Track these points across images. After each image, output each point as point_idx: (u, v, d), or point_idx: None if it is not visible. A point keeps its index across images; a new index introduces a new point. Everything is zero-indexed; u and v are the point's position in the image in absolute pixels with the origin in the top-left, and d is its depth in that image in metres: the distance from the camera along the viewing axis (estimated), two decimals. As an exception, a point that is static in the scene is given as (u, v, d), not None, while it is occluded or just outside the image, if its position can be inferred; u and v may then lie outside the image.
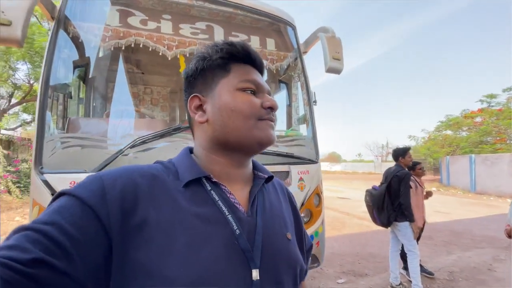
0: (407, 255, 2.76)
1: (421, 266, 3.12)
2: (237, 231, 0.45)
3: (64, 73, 2.17)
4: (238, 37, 2.66)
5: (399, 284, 2.90)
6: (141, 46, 2.26)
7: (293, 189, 2.24)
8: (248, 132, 0.49)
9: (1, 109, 9.74)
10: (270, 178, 0.58)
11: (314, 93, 2.89)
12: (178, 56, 2.36)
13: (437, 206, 8.33)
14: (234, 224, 0.46)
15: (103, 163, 1.75)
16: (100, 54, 2.32)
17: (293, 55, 2.86)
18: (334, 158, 57.81)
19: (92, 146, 1.87)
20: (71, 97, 2.34)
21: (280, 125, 3.37)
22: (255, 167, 0.58)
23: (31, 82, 9.11)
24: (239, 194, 0.51)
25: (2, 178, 6.66)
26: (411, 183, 2.75)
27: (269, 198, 0.56)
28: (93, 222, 0.38)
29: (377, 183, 3.02)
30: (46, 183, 1.68)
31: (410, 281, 2.90)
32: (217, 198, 0.47)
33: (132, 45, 2.26)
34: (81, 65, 2.33)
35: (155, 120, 3.04)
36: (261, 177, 0.56)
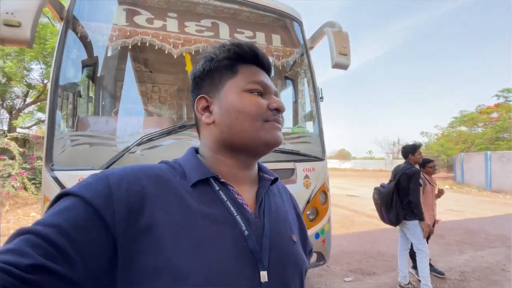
0: (416, 254, 2.71)
1: (431, 265, 3.06)
2: (246, 232, 0.45)
3: (73, 73, 2.22)
4: (244, 34, 2.65)
5: (408, 284, 2.85)
6: (147, 44, 2.28)
7: (298, 186, 2.23)
8: (255, 134, 0.49)
9: (17, 108, 10.08)
10: (275, 180, 0.58)
11: (321, 89, 2.86)
12: (184, 54, 2.38)
13: (451, 204, 8.13)
14: (243, 225, 0.46)
15: (111, 160, 1.78)
16: (108, 53, 2.35)
17: (300, 51, 2.83)
18: (343, 155, 57.12)
19: (101, 144, 1.91)
20: (80, 96, 2.40)
21: (286, 122, 3.35)
22: (260, 168, 0.58)
23: (45, 82, 9.38)
24: (246, 195, 0.51)
25: (18, 175, 6.89)
26: (420, 181, 2.68)
27: (275, 200, 0.56)
28: (98, 224, 0.37)
29: (387, 181, 2.97)
30: (57, 180, 1.73)
31: (419, 281, 2.85)
32: (225, 199, 0.47)
33: (139, 44, 2.28)
34: (90, 64, 2.38)
35: (162, 118, 3.08)
36: (267, 179, 0.56)
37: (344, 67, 2.47)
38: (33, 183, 7.68)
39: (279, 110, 0.52)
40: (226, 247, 0.42)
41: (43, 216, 0.38)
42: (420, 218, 2.58)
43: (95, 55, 2.32)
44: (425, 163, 2.95)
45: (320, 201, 2.39)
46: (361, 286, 2.93)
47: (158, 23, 2.37)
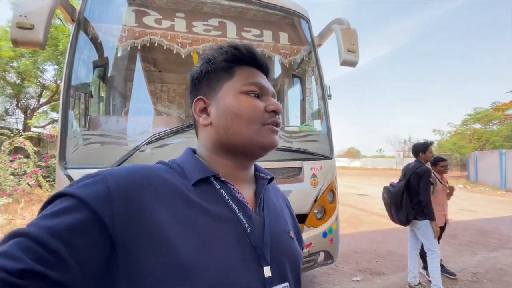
0: (427, 254, 2.66)
1: (442, 266, 3.00)
2: (249, 229, 0.46)
3: (84, 73, 2.28)
4: (251, 32, 2.65)
5: (418, 284, 2.81)
6: (156, 45, 2.32)
7: (305, 185, 2.23)
8: (251, 137, 0.49)
9: (31, 108, 10.38)
10: (271, 179, 0.59)
11: (329, 87, 2.83)
12: (192, 54, 2.40)
13: (464, 204, 7.93)
14: (245, 222, 0.46)
15: (121, 159, 1.82)
16: (118, 54, 2.40)
17: (307, 49, 2.81)
18: (352, 153, 56.43)
19: (111, 143, 1.96)
20: (91, 96, 2.45)
21: (294, 120, 3.34)
22: (255, 168, 0.59)
23: (58, 82, 9.62)
24: (245, 194, 0.51)
25: (33, 173, 7.10)
26: (430, 180, 2.63)
27: (271, 199, 0.58)
28: (96, 226, 0.36)
29: (398, 180, 2.92)
30: (70, 177, 1.78)
31: (430, 281, 2.81)
32: (227, 197, 0.48)
33: (148, 44, 2.32)
34: (100, 65, 2.43)
35: (171, 117, 3.12)
36: (263, 178, 0.57)
37: (353, 64, 2.44)
38: (47, 181, 7.90)
39: (276, 112, 0.52)
40: (231, 244, 0.43)
41: (37, 217, 0.36)
42: (431, 218, 2.53)
43: (105, 55, 2.37)
44: (436, 161, 2.89)
45: (328, 200, 2.37)
46: (370, 286, 2.90)
47: (166, 23, 2.40)
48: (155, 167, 0.47)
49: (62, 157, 1.90)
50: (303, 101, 3.13)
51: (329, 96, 2.79)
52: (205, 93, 0.53)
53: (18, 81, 9.05)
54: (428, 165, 2.81)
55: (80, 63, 2.15)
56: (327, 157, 2.45)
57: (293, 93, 3.34)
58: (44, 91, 10.25)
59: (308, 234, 2.24)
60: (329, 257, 2.39)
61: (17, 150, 7.37)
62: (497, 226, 5.51)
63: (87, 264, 0.34)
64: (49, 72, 9.71)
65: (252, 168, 0.57)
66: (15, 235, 0.34)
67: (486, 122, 16.90)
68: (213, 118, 0.51)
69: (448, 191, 2.95)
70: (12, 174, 6.79)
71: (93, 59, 2.34)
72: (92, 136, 1.98)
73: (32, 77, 8.72)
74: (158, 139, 1.92)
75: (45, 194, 7.75)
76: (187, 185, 0.46)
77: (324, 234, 2.32)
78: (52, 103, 10.43)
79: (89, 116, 2.26)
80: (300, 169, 2.25)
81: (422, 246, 2.84)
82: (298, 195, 2.19)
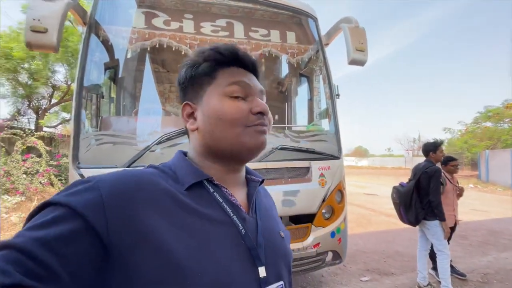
0: (437, 255, 2.63)
1: (452, 267, 2.96)
2: (243, 231, 0.47)
3: (96, 75, 2.32)
4: (258, 32, 2.66)
5: (427, 285, 2.78)
6: (165, 46, 2.35)
7: (313, 185, 2.23)
8: (236, 140, 0.48)
9: (43, 108, 10.61)
10: (261, 181, 0.59)
11: (337, 86, 2.81)
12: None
13: (474, 204, 7.78)
14: (239, 224, 0.47)
15: (132, 158, 1.86)
16: (128, 56, 2.44)
17: (315, 48, 2.80)
18: (360, 152, 55.84)
19: (123, 143, 2.00)
20: (102, 97, 2.50)
21: (301, 120, 3.34)
22: (246, 171, 0.59)
23: (69, 83, 9.81)
24: (238, 197, 0.52)
25: (45, 172, 7.26)
26: (441, 180, 2.59)
27: (262, 200, 0.58)
28: (88, 235, 0.35)
29: (407, 179, 2.89)
30: (82, 177, 1.82)
31: (439, 282, 2.77)
32: (221, 200, 0.48)
33: (157, 46, 2.35)
34: (111, 66, 2.48)
35: (180, 117, 3.15)
36: (255, 181, 0.57)
37: (361, 63, 2.42)
38: (59, 179, 8.07)
39: (262, 113, 0.50)
40: (227, 246, 0.44)
41: (24, 228, 0.35)
42: (441, 218, 2.50)
43: (116, 57, 2.42)
44: (447, 161, 2.85)
45: (336, 200, 2.37)
46: (378, 286, 2.88)
47: (175, 25, 2.42)
48: (147, 172, 0.46)
49: (75, 157, 1.95)
50: (310, 100, 3.12)
51: (337, 95, 2.77)
52: (191, 98, 0.53)
53: (29, 82, 9.26)
54: (438, 164, 2.77)
55: (91, 65, 2.20)
56: (335, 156, 2.44)
57: (301, 93, 3.33)
58: (55, 91, 10.46)
59: (316, 233, 2.24)
60: (337, 257, 2.39)
61: (29, 150, 7.54)
62: (508, 226, 5.39)
63: (79, 274, 0.33)
64: (60, 73, 9.91)
65: (243, 171, 0.57)
66: (3, 247, 0.32)
67: (497, 120, 16.51)
68: (199, 123, 0.51)
69: (458, 192, 2.91)
70: (25, 173, 6.96)
71: (104, 60, 2.39)
72: (104, 137, 2.02)
73: (44, 78, 8.91)
74: (168, 139, 1.95)
75: (57, 192, 7.93)
76: (181, 190, 0.46)
77: (332, 234, 2.32)
78: (63, 104, 10.64)
79: (100, 117, 2.30)
80: (308, 169, 2.25)
81: (431, 247, 2.81)
82: (306, 195, 2.19)
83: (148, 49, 2.37)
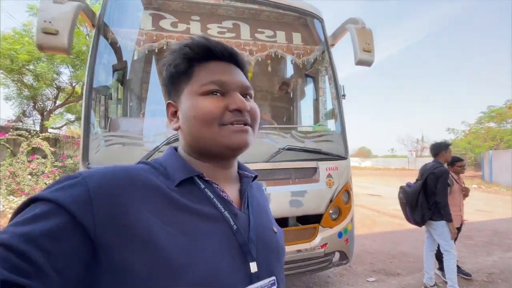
0: (443, 255, 2.62)
1: (458, 267, 2.95)
2: (235, 227, 0.46)
3: (105, 76, 2.35)
4: (264, 33, 2.67)
5: (434, 285, 2.77)
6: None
7: (320, 185, 2.23)
8: (213, 140, 0.47)
9: (48, 109, 10.70)
10: (255, 177, 0.58)
11: (343, 86, 2.82)
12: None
13: (478, 204, 7.74)
14: (231, 220, 0.46)
15: (142, 159, 1.88)
16: (136, 57, 2.46)
17: (321, 48, 2.81)
18: (363, 153, 55.64)
19: (132, 144, 2.02)
20: (111, 98, 2.52)
21: (307, 120, 3.34)
22: (239, 166, 0.58)
23: (73, 84, 9.89)
24: (230, 192, 0.51)
25: (50, 173, 7.31)
26: (448, 181, 2.59)
27: (256, 196, 0.58)
28: (75, 232, 0.34)
29: (411, 179, 2.89)
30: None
31: (446, 282, 2.76)
32: (212, 196, 0.47)
33: (165, 47, 2.37)
34: (120, 68, 2.50)
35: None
36: (248, 176, 0.56)
37: (368, 64, 2.43)
38: (64, 180, 8.10)
39: (240, 110, 0.47)
40: (218, 242, 0.43)
41: (10, 224, 0.34)
42: (448, 219, 2.50)
43: (124, 59, 2.44)
44: (454, 161, 2.84)
45: (343, 200, 2.37)
46: (385, 287, 2.88)
47: (182, 27, 2.44)
48: (137, 167, 0.46)
49: (85, 157, 1.97)
50: (316, 100, 3.13)
51: (343, 95, 2.77)
52: (173, 97, 0.52)
53: (34, 84, 9.34)
54: (446, 165, 2.76)
55: (100, 66, 2.22)
56: (342, 157, 2.45)
57: (307, 93, 3.34)
58: (60, 93, 10.55)
59: (324, 234, 2.24)
60: (344, 257, 2.39)
61: (34, 151, 7.60)
62: (514, 227, 5.37)
63: (66, 271, 0.33)
64: (65, 75, 10.00)
65: (235, 167, 0.56)
66: None
67: (500, 120, 16.41)
68: (180, 122, 0.50)
69: (463, 192, 2.90)
70: (30, 174, 7.01)
71: (113, 62, 2.41)
72: (114, 137, 2.04)
73: (49, 79, 8.98)
74: (177, 139, 1.96)
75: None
76: (171, 186, 0.45)
77: (340, 235, 2.32)
78: (68, 105, 10.72)
79: (109, 118, 2.33)
80: (315, 169, 2.26)
81: (438, 247, 2.80)
82: (314, 195, 2.20)
83: (156, 50, 2.39)
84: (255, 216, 0.52)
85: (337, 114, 2.69)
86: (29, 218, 0.34)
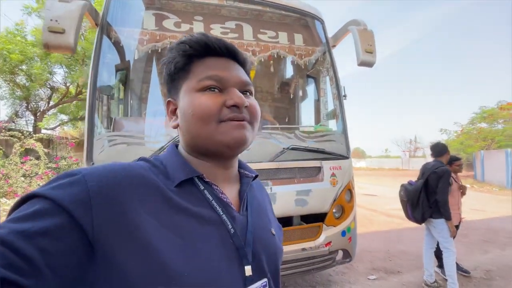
0: (443, 252, 2.67)
1: (456, 264, 3.01)
2: (232, 230, 0.46)
3: (108, 76, 2.33)
4: (267, 34, 2.69)
5: (434, 282, 2.82)
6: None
7: (325, 184, 2.26)
8: (211, 137, 0.46)
9: (41, 110, 10.52)
10: (255, 177, 0.57)
11: (344, 87, 2.86)
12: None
13: (472, 203, 7.89)
14: (229, 223, 0.46)
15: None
16: (140, 57, 2.45)
17: (322, 50, 2.84)
18: (357, 153, 56.14)
19: (137, 144, 2.01)
20: (115, 98, 2.51)
21: (308, 120, 3.37)
22: (239, 165, 0.57)
23: (68, 84, 9.75)
24: (229, 193, 0.50)
25: (44, 175, 7.19)
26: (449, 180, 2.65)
27: (256, 196, 0.57)
28: (73, 232, 0.34)
29: (405, 179, 2.94)
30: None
31: (445, 280, 2.82)
32: (211, 198, 0.47)
33: (168, 47, 2.37)
34: (123, 68, 2.49)
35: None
36: (248, 176, 0.55)
37: (370, 64, 2.47)
38: (58, 182, 7.96)
39: (237, 106, 0.46)
40: (215, 245, 0.43)
41: (7, 220, 0.34)
42: (447, 217, 2.55)
43: (128, 58, 2.43)
44: (452, 160, 2.90)
45: (346, 199, 2.40)
46: (386, 285, 2.92)
47: (185, 27, 2.45)
48: (138, 165, 0.45)
49: (89, 157, 1.95)
50: (318, 101, 3.16)
51: (345, 96, 2.81)
52: (173, 94, 0.52)
53: (27, 84, 9.18)
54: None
55: (104, 66, 2.21)
56: (345, 156, 2.48)
57: (308, 94, 3.37)
58: (54, 93, 10.39)
59: (328, 233, 2.27)
60: (347, 255, 2.42)
61: (27, 152, 7.47)
62: (507, 225, 5.49)
63: (63, 270, 0.32)
64: (59, 75, 9.86)
65: (235, 167, 0.55)
66: None
67: (491, 121, 16.77)
68: (179, 120, 0.50)
69: (461, 190, 2.97)
70: (23, 175, 6.89)
71: (116, 62, 2.39)
72: (118, 137, 2.03)
73: (43, 79, 8.84)
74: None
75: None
76: (170, 186, 0.44)
77: (343, 233, 2.35)
78: (61, 106, 10.57)
79: (114, 118, 2.31)
80: (319, 168, 2.28)
81: (437, 245, 2.86)
82: (318, 194, 2.22)
83: (159, 50, 2.39)
84: (253, 217, 0.51)
85: (339, 114, 2.73)
86: (27, 215, 0.33)
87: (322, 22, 2.88)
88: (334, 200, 2.30)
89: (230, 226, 0.46)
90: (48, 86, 10.01)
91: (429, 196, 2.61)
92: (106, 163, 0.43)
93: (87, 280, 0.34)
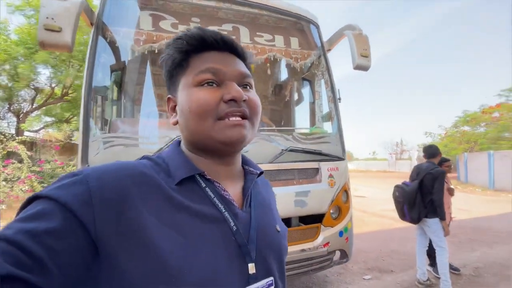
0: (436, 251, 2.75)
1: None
2: (234, 228, 0.45)
3: (104, 76, 2.28)
4: (263, 37, 2.71)
5: (427, 280, 2.90)
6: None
7: (323, 185, 2.28)
8: (208, 134, 0.45)
9: (24, 111, 10.14)
10: (260, 173, 0.56)
11: (339, 90, 2.91)
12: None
13: (457, 204, 8.17)
14: (231, 220, 0.46)
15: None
16: (136, 58, 2.41)
17: (317, 53, 2.89)
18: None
19: (134, 145, 1.97)
20: (110, 99, 2.46)
21: (304, 122, 3.41)
22: (244, 161, 0.56)
23: (53, 85, 9.44)
24: (232, 191, 0.50)
25: (27, 179, 6.93)
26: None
27: (261, 193, 0.56)
28: (77, 231, 0.35)
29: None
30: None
31: (437, 278, 2.91)
32: (213, 196, 0.46)
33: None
34: (118, 68, 2.44)
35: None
36: (253, 173, 0.55)
37: (365, 68, 2.53)
38: (42, 187, 7.71)
39: (235, 100, 0.45)
40: (217, 243, 0.43)
41: (14, 221, 0.35)
42: (442, 217, 2.64)
43: (123, 59, 2.38)
44: (441, 162, 3.00)
45: (342, 200, 2.44)
46: (381, 284, 2.97)
47: (182, 28, 2.43)
48: (140, 164, 0.45)
49: (85, 160, 1.90)
50: (313, 103, 3.20)
51: (339, 99, 2.86)
52: (172, 91, 0.51)
53: (10, 84, 8.84)
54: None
55: (99, 66, 2.16)
56: (341, 158, 2.52)
57: (303, 96, 3.41)
58: (38, 94, 10.04)
59: (326, 233, 2.29)
60: (344, 255, 2.45)
61: (9, 155, 7.17)
62: (492, 224, 5.72)
63: (68, 269, 0.33)
64: (43, 75, 9.54)
65: (237, 163, 0.54)
66: None
67: (474, 124, 17.44)
68: (178, 117, 0.50)
69: (449, 192, 3.07)
70: (5, 179, 6.61)
71: (111, 62, 2.35)
72: (115, 139, 1.98)
73: (28, 80, 8.54)
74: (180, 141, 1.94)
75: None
76: (171, 184, 0.44)
77: (340, 233, 2.38)
78: (46, 107, 10.22)
79: (110, 119, 2.26)
80: (317, 170, 2.31)
81: (429, 245, 2.94)
82: (317, 195, 2.24)
83: (156, 51, 2.36)
84: (257, 214, 0.51)
85: (334, 116, 2.77)
86: (32, 215, 0.34)
87: (317, 26, 2.93)
88: (332, 201, 2.33)
89: (232, 224, 0.45)
90: (32, 87, 9.66)
91: (424, 196, 2.68)
92: (110, 162, 0.43)
93: (91, 279, 0.35)
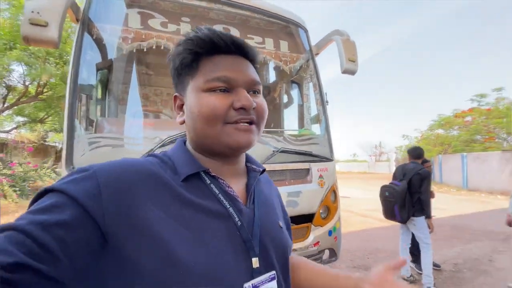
0: (421, 247, 2.87)
1: (429, 259, 3.26)
2: (239, 223, 0.47)
3: (89, 75, 2.20)
4: (254, 40, 2.73)
5: (410, 276, 3.02)
6: (162, 48, 2.30)
7: (314, 186, 2.33)
8: (216, 138, 0.47)
9: (-5, 111, 9.52)
10: (262, 171, 0.58)
11: (326, 93, 2.98)
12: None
13: (435, 203, 8.58)
14: (236, 216, 0.47)
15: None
16: (123, 56, 2.34)
17: (306, 57, 2.95)
18: (327, 158, 57.98)
19: (123, 146, 1.91)
20: (96, 98, 2.37)
21: (292, 124, 3.46)
22: (247, 159, 0.58)
23: (27, 83, 8.94)
24: (236, 187, 0.51)
25: (-3, 182, 6.51)
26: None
27: (263, 190, 0.58)
28: (87, 223, 0.36)
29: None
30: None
31: (419, 274, 3.03)
32: (217, 192, 0.48)
33: (154, 47, 2.30)
34: (105, 67, 2.36)
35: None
36: (256, 170, 0.57)
37: (353, 72, 2.61)
38: (13, 190, 7.27)
39: (245, 108, 0.47)
40: (222, 238, 0.44)
41: (26, 212, 0.36)
42: (428, 215, 2.78)
43: (110, 57, 2.31)
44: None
45: (331, 200, 2.49)
46: (367, 281, 3.05)
47: (172, 27, 2.40)
48: (147, 161, 0.47)
49: (69, 161, 1.82)
50: (301, 106, 3.26)
51: (327, 101, 2.93)
52: (180, 89, 0.52)
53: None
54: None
55: (84, 64, 2.08)
56: (329, 159, 2.58)
57: (292, 98, 3.45)
58: (10, 93, 9.47)
59: (316, 233, 2.33)
60: (333, 254, 2.50)
61: (-22, 157, 6.72)
62: (467, 222, 6.05)
63: (78, 260, 0.34)
64: (16, 73, 9.02)
65: (241, 162, 0.55)
66: (3, 229, 0.33)
67: (448, 127, 18.40)
68: (185, 117, 0.51)
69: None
70: (-27, 183, 6.17)
71: (97, 60, 2.27)
72: (102, 139, 1.92)
73: (1, 76, 8.04)
74: (172, 142, 1.91)
75: (11, 205, 7.10)
76: (178, 181, 0.45)
77: (330, 233, 2.43)
78: (18, 106, 9.66)
79: (96, 119, 2.18)
80: (308, 170, 2.35)
81: (411, 242, 3.06)
82: (308, 195, 2.28)
83: (145, 50, 2.31)
84: (260, 211, 0.52)
85: (322, 118, 2.84)
86: (44, 207, 0.35)
87: (305, 30, 2.99)
88: (321, 201, 2.38)
89: (237, 219, 0.47)
90: (4, 84, 9.11)
91: (412, 195, 2.80)
92: (118, 159, 0.45)
93: (100, 270, 0.36)
